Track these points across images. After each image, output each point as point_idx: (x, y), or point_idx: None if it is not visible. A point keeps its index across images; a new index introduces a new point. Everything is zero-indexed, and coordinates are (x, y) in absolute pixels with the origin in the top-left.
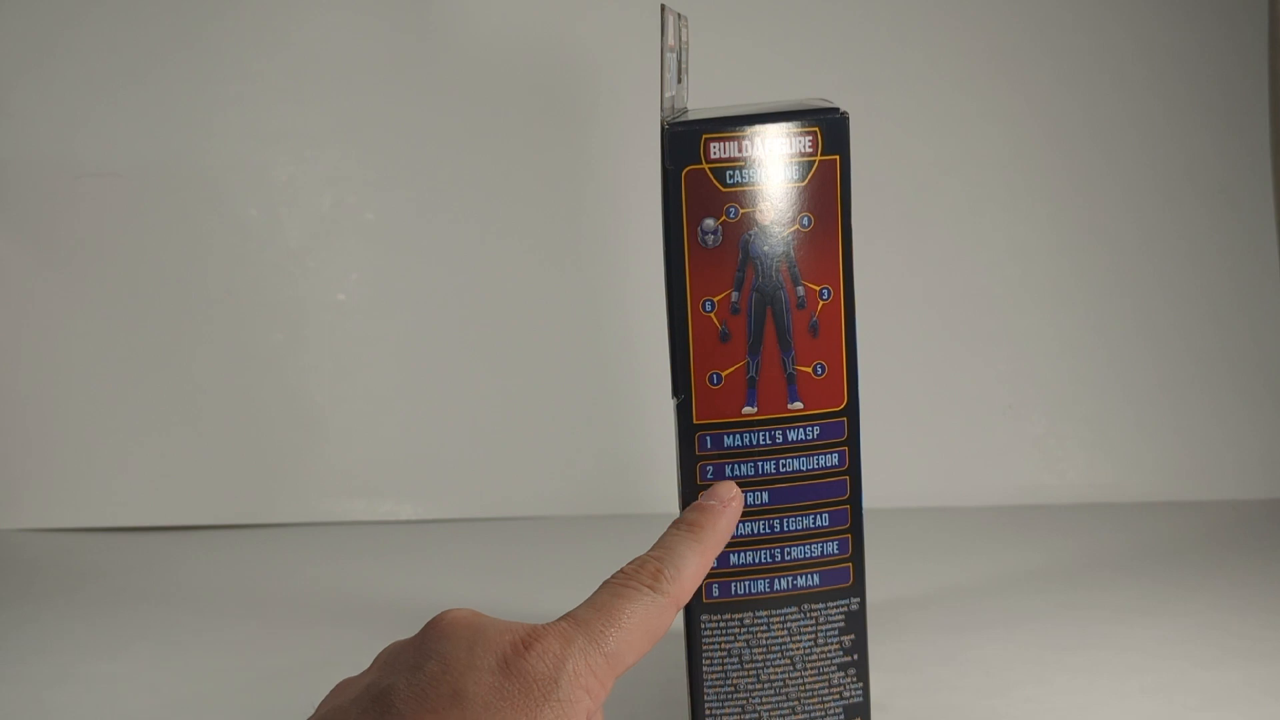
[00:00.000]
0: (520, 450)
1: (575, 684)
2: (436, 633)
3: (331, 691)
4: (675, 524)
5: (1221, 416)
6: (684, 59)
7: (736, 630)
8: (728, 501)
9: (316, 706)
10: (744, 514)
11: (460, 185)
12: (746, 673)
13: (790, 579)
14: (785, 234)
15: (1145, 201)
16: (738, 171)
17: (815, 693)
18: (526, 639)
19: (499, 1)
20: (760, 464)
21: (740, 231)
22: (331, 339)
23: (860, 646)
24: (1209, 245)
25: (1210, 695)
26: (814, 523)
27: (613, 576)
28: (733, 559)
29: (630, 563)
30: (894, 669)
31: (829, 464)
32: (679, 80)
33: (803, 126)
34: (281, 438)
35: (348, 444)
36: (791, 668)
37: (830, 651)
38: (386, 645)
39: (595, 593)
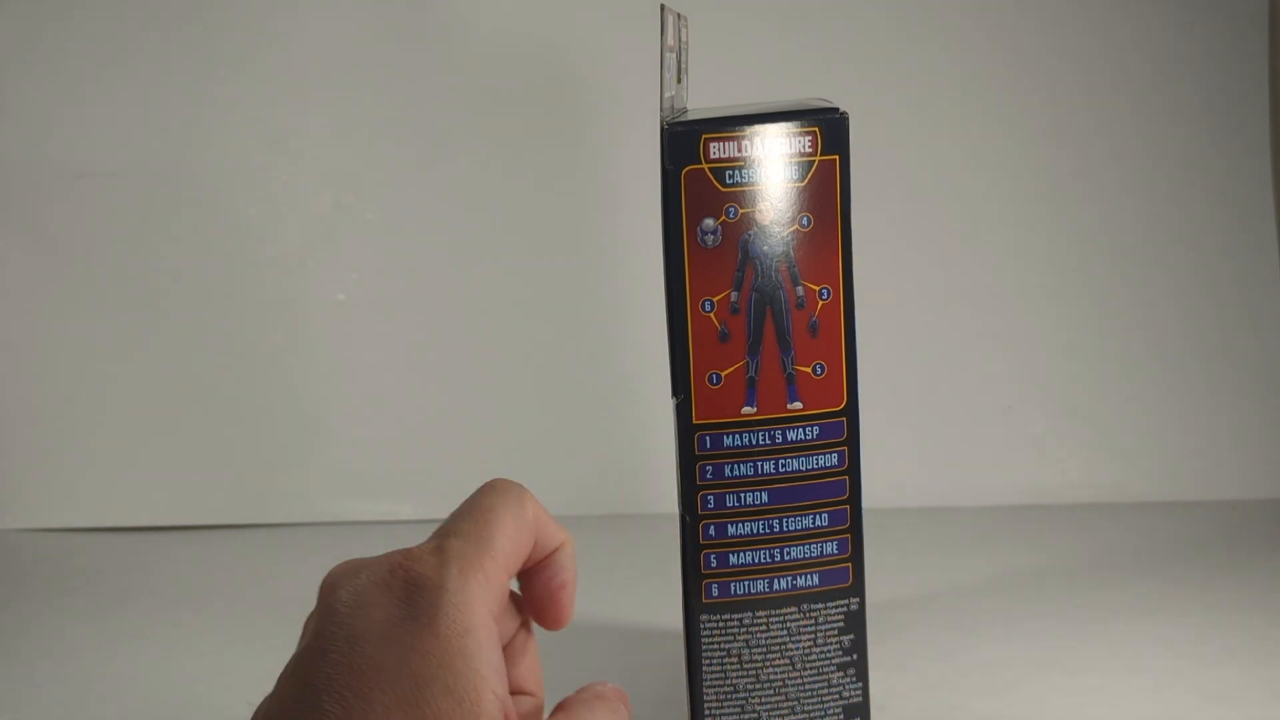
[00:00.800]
0: (520, 450)
1: (465, 576)
2: (323, 593)
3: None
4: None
5: (1222, 416)
6: (684, 59)
7: (736, 630)
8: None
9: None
10: (744, 514)
11: (460, 185)
12: (746, 673)
13: (790, 579)
14: (785, 234)
15: (1145, 201)
16: (737, 171)
17: (815, 693)
18: (402, 559)
19: (499, 2)
20: (760, 464)
21: (740, 231)
22: (331, 339)
23: (860, 646)
24: (1209, 245)
25: (1210, 695)
26: (813, 523)
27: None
28: (733, 559)
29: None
30: (894, 669)
31: (828, 464)
32: (679, 80)
33: (802, 126)
34: (281, 438)
35: (348, 444)
36: (791, 668)
37: (830, 651)
38: None
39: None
